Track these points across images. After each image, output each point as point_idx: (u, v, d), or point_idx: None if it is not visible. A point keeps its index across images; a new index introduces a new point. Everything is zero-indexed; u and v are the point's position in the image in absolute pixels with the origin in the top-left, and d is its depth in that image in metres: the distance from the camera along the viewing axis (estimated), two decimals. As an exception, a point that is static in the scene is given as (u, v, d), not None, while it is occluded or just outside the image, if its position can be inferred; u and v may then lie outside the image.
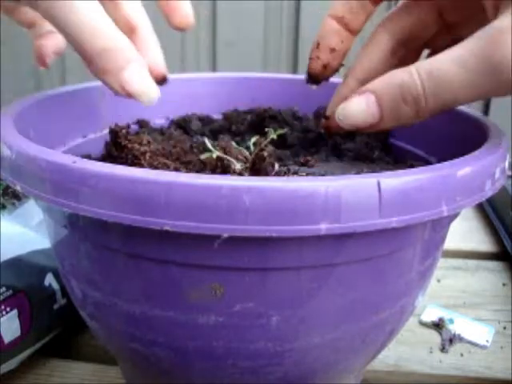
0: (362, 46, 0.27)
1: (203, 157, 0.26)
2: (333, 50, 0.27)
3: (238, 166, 0.26)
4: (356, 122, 0.24)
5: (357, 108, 0.24)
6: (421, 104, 0.22)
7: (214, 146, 0.27)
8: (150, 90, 0.25)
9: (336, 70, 0.28)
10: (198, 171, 0.28)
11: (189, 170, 0.29)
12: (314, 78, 0.28)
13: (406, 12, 0.27)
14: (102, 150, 0.36)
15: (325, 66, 0.27)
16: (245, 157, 0.27)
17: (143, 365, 0.29)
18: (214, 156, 0.26)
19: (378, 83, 0.23)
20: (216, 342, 0.25)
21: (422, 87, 0.22)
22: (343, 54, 0.28)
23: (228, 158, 0.26)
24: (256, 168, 0.27)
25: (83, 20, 0.23)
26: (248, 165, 0.27)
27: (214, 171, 0.27)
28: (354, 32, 0.27)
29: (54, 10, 0.23)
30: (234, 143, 0.29)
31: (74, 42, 0.24)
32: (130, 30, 0.27)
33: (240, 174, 0.26)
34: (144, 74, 0.25)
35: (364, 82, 0.26)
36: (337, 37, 0.27)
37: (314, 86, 0.28)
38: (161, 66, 0.29)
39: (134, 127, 0.40)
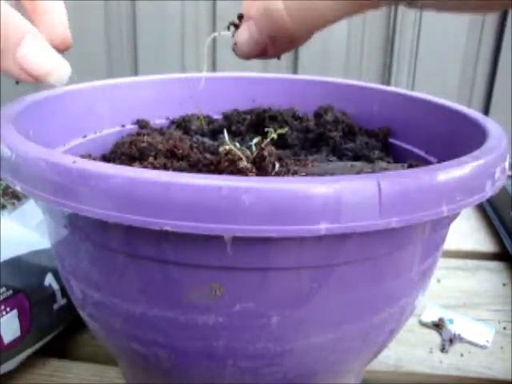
0: None
1: (221, 149, 0.27)
2: None
3: (245, 163, 0.26)
4: (244, 51, 0.24)
5: (242, 37, 0.23)
6: (286, 25, 0.21)
7: (230, 141, 0.27)
8: (56, 66, 0.22)
9: None
10: (199, 171, 0.28)
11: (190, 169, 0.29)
12: None
13: None
14: (102, 149, 0.36)
15: None
16: (246, 156, 0.27)
17: (143, 365, 0.29)
18: (227, 148, 0.26)
19: (255, 10, 0.22)
20: (216, 343, 0.25)
21: (287, 11, 0.21)
22: None
23: (239, 154, 0.26)
24: (258, 167, 0.27)
25: None
26: (249, 165, 0.27)
27: (217, 169, 0.27)
28: None
29: None
30: (237, 143, 0.29)
31: None
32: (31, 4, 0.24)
33: (250, 170, 0.26)
34: (42, 46, 0.22)
35: None
36: None
37: None
38: (59, 30, 0.24)
39: (134, 127, 0.40)
